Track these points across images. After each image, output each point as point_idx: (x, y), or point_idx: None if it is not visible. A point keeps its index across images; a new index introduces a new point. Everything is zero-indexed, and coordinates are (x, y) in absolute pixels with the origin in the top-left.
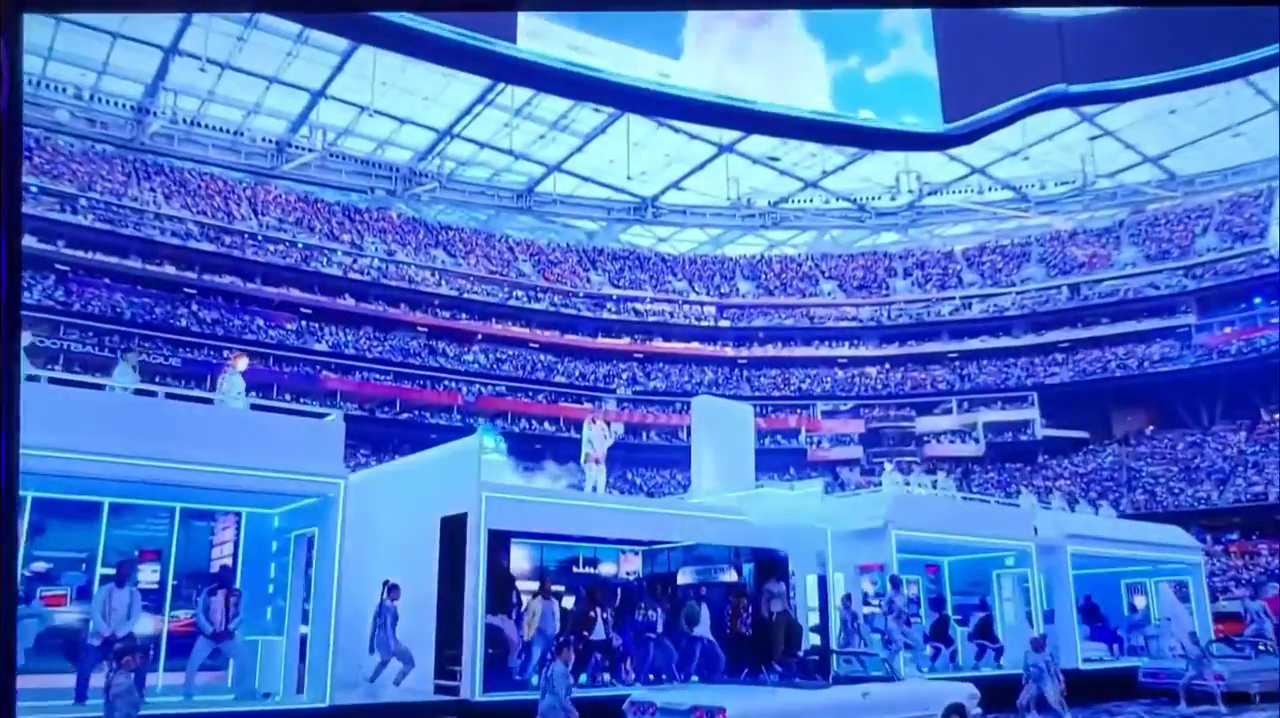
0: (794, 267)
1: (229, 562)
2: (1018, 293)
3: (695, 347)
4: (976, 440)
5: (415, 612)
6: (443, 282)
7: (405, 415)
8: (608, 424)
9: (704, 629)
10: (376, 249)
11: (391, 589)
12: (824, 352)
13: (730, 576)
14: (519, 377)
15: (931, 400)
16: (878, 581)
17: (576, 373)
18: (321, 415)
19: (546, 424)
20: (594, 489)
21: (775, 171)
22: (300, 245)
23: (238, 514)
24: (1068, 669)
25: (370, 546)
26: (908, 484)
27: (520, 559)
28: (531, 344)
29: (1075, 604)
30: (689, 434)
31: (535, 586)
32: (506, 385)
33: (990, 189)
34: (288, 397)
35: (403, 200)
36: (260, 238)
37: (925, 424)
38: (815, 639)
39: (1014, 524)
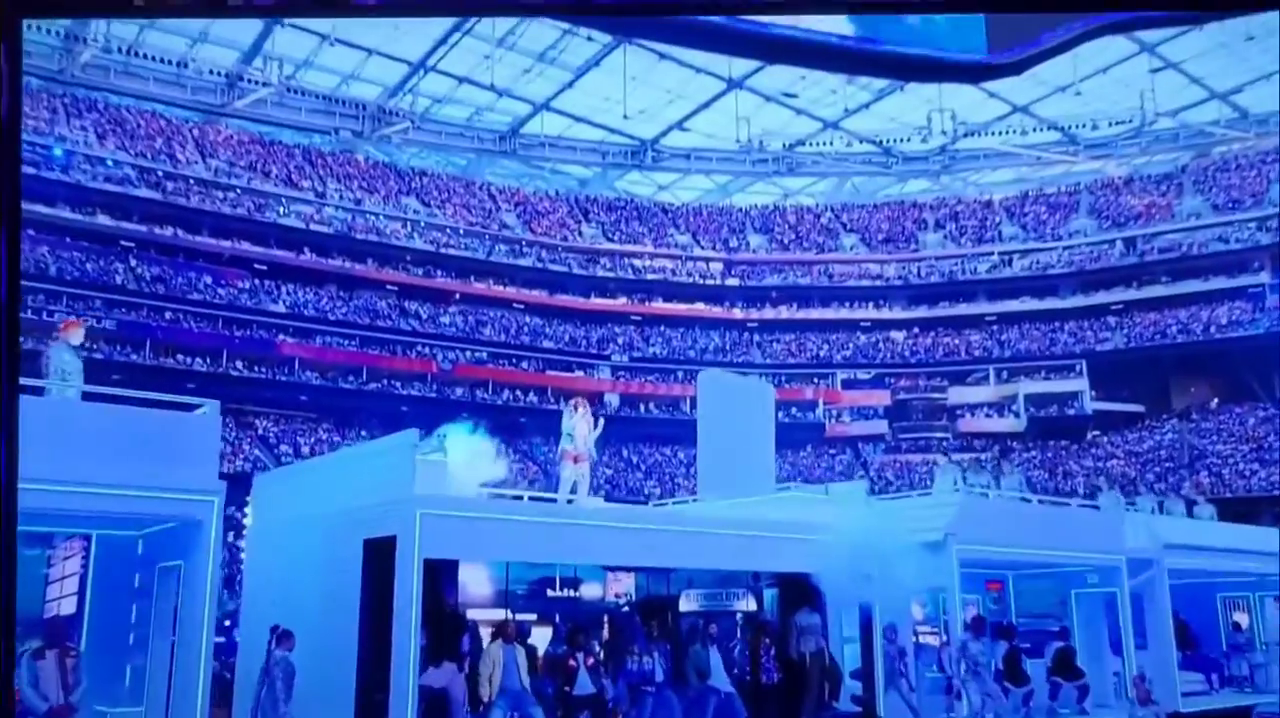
0: (811, 218)
1: (69, 604)
2: (1065, 248)
3: (700, 308)
4: (1017, 415)
5: (330, 666)
6: (416, 234)
7: (373, 385)
8: (593, 414)
9: (718, 679)
10: (341, 198)
11: (282, 638)
12: (844, 314)
13: (747, 603)
14: (501, 342)
15: (966, 369)
16: (927, 602)
17: (566, 337)
18: (191, 407)
19: (532, 395)
20: (571, 496)
21: (791, 110)
22: (254, 193)
23: (85, 538)
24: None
25: (281, 572)
26: (967, 482)
27: (477, 582)
28: (516, 305)
29: (1172, 629)
30: (693, 406)
31: (498, 615)
32: (487, 351)
33: (1035, 130)
34: (239, 364)
35: (370, 143)
36: (208, 184)
37: (959, 396)
38: (856, 686)
39: (1099, 534)
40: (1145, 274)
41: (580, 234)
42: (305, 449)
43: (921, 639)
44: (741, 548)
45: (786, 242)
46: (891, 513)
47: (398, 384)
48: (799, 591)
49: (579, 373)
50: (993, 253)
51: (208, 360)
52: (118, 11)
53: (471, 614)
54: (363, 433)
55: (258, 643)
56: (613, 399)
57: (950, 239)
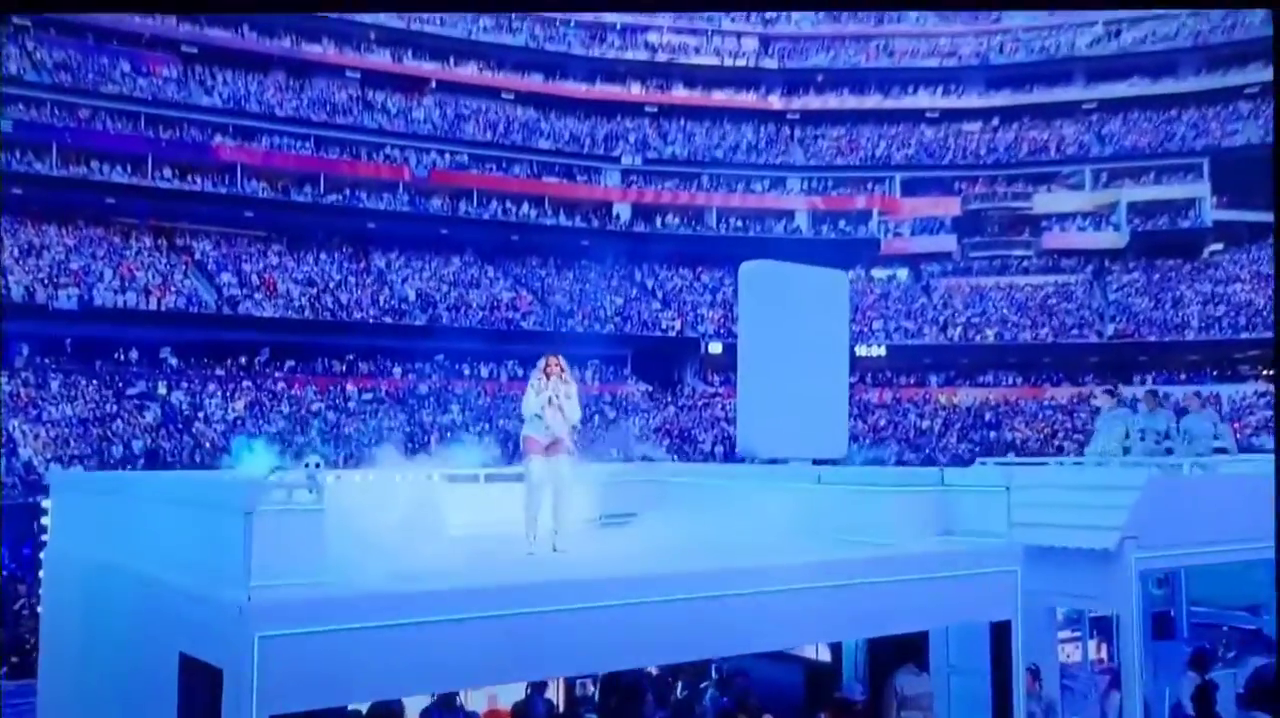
0: None
1: None
2: (1188, 15)
3: (729, 97)
4: (1116, 227)
5: None
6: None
7: (332, 197)
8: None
9: None
10: None
11: None
12: (907, 103)
13: (813, 650)
14: (487, 141)
15: (1055, 170)
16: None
17: (566, 134)
18: None
19: (527, 207)
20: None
21: None
22: None
23: None
24: None
25: (80, 640)
26: (1143, 438)
27: None
28: (504, 94)
29: None
30: (720, 219)
31: None
32: (469, 154)
33: None
34: (168, 172)
35: None
36: None
37: (1045, 204)
38: None
39: None
40: None
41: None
42: (253, 278)
43: (1067, 659)
44: (832, 611)
45: (836, 11)
46: (1036, 502)
47: (363, 195)
48: (897, 639)
49: (582, 179)
50: (1095, 22)
51: (128, 168)
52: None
53: None
54: (321, 255)
55: None
56: (623, 210)
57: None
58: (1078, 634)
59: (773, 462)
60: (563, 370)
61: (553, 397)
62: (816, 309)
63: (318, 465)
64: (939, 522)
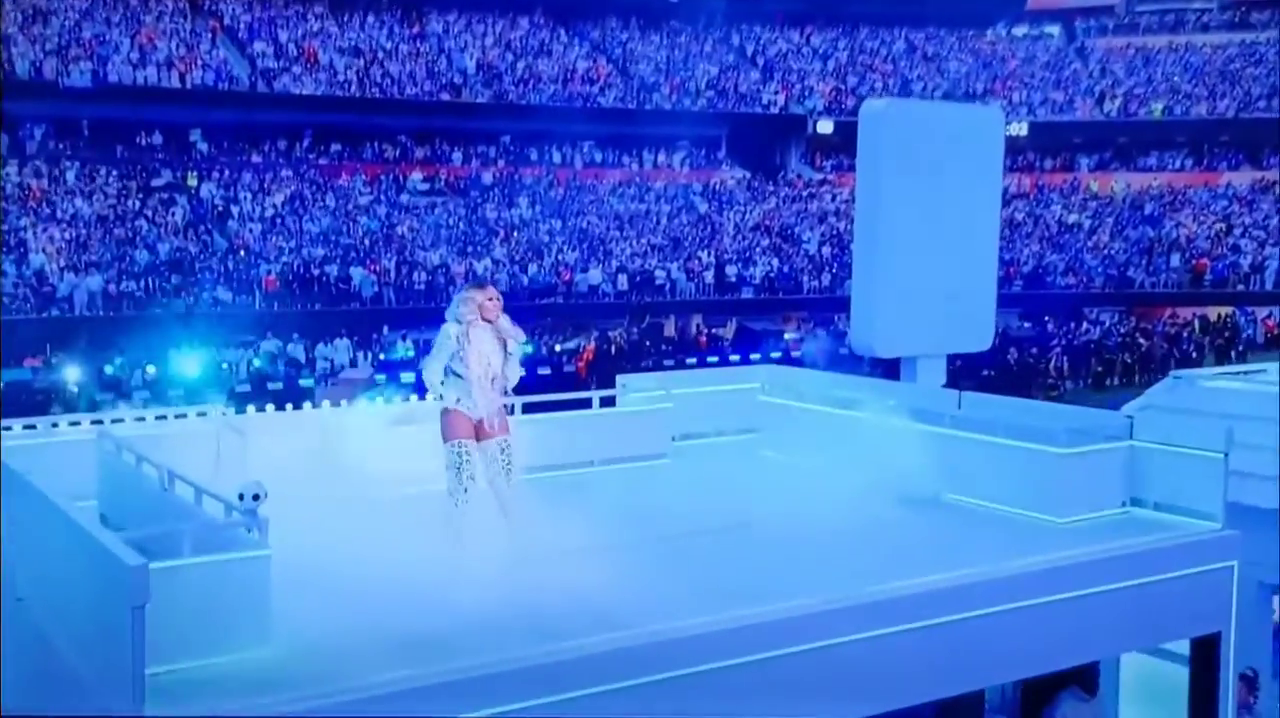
0: None
1: None
2: None
3: None
4: None
5: None
6: None
7: None
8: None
9: None
10: None
11: None
12: None
13: None
14: None
15: None
16: None
17: None
18: None
19: None
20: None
21: None
22: None
23: None
24: None
25: None
26: None
27: None
28: None
29: None
30: None
31: None
32: None
33: None
34: None
35: None
36: None
37: None
38: None
39: None
40: None
41: None
42: (291, 48)
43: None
44: (973, 652)
45: None
46: (1249, 442)
47: None
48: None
49: None
50: None
51: None
52: None
53: None
54: (368, 19)
55: None
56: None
57: None
58: None
59: (890, 366)
60: (500, 312)
61: (488, 352)
62: (960, 160)
63: (255, 498)
64: (1124, 489)
